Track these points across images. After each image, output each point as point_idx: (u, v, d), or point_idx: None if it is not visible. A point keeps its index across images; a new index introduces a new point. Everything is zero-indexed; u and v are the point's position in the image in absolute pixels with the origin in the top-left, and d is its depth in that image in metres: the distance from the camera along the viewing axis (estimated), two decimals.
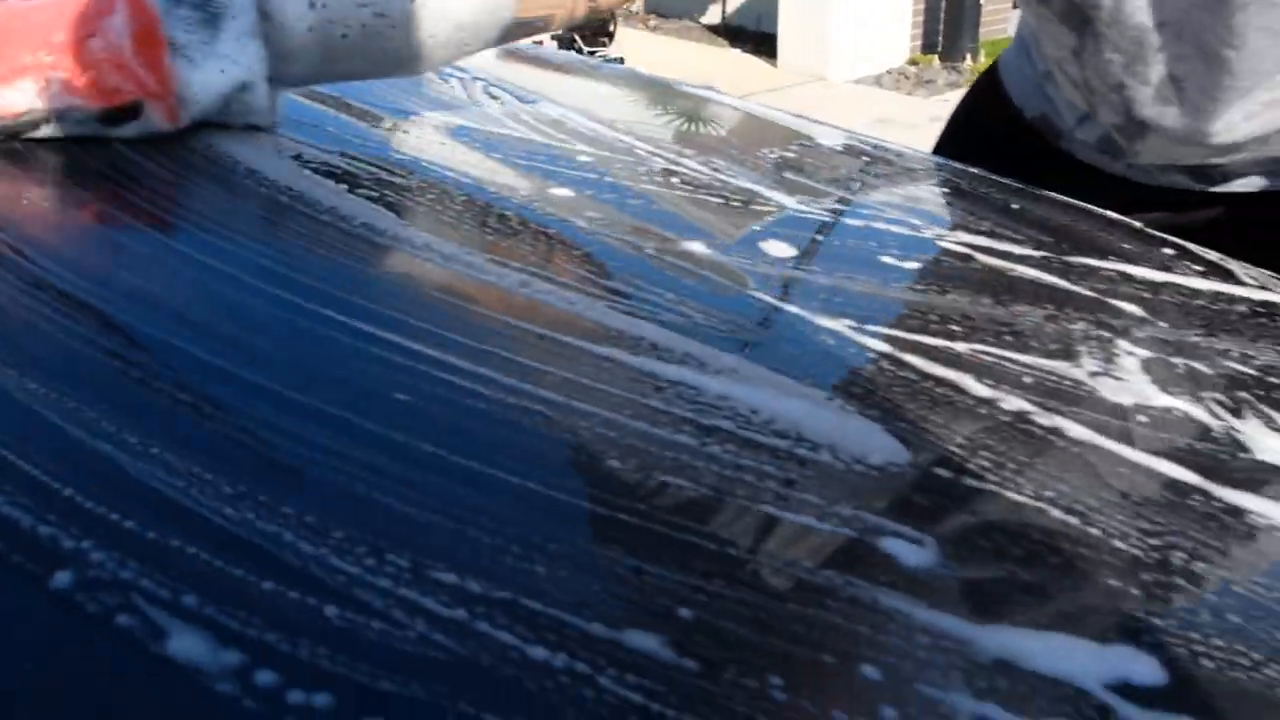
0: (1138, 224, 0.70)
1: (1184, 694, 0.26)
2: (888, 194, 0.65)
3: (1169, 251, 0.63)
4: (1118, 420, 0.39)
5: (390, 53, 0.55)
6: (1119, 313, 0.50)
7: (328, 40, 0.54)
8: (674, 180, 0.58)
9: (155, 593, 0.23)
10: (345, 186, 0.49)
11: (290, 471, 0.28)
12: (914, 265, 0.50)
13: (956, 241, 0.56)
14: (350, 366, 0.33)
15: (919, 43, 6.60)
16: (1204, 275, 0.59)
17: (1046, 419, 0.38)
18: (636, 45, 6.33)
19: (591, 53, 3.68)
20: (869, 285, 0.47)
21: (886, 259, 0.51)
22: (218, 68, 0.50)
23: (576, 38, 3.66)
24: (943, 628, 0.26)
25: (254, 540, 0.25)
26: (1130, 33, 0.70)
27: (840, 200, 0.60)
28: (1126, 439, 0.37)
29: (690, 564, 0.27)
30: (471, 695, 0.21)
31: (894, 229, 0.55)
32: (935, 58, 6.44)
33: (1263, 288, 0.61)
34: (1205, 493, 0.35)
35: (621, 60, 3.87)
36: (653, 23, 8.44)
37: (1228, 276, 0.61)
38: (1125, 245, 0.63)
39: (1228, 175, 0.78)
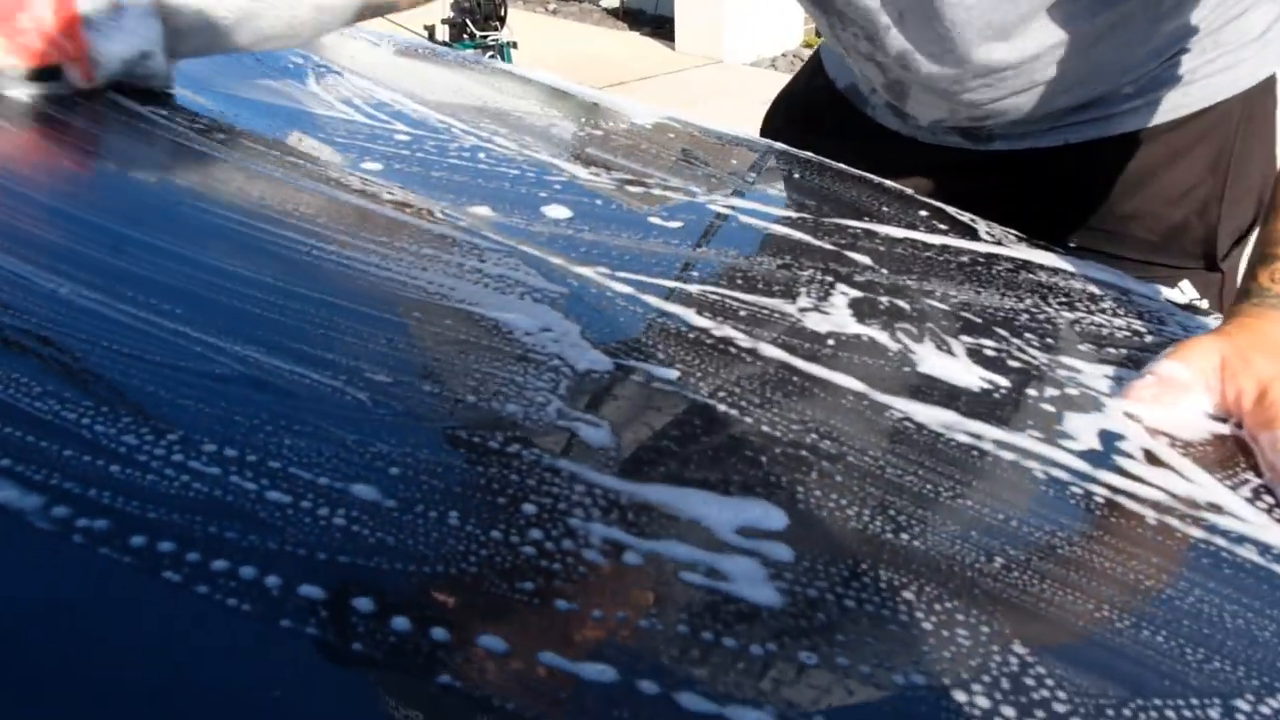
0: (907, 190, 0.80)
1: (798, 535, 0.34)
2: (674, 165, 0.73)
3: (923, 213, 0.73)
4: (808, 344, 0.47)
5: (265, 30, 0.69)
6: (848, 262, 0.59)
7: (213, 18, 0.67)
8: (480, 155, 0.65)
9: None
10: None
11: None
12: (675, 224, 0.59)
13: (723, 205, 0.64)
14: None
15: (812, 26, 6.74)
16: (945, 233, 0.69)
17: (747, 343, 0.46)
18: (534, 29, 6.33)
19: (484, 37, 3.71)
20: (628, 241, 0.55)
21: (654, 220, 0.59)
22: (122, 38, 0.64)
23: (468, 22, 3.68)
24: (601, 483, 0.34)
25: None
26: (861, 10, 0.78)
27: (628, 171, 0.68)
28: (810, 358, 0.46)
29: (403, 436, 0.34)
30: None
31: (670, 195, 0.64)
32: None
33: (997, 243, 0.71)
34: (859, 394, 0.44)
35: (514, 45, 3.90)
36: (553, 6, 8.46)
37: (968, 233, 0.71)
38: (884, 208, 0.72)
39: (992, 136, 0.87)
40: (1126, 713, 0.29)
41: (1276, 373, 0.49)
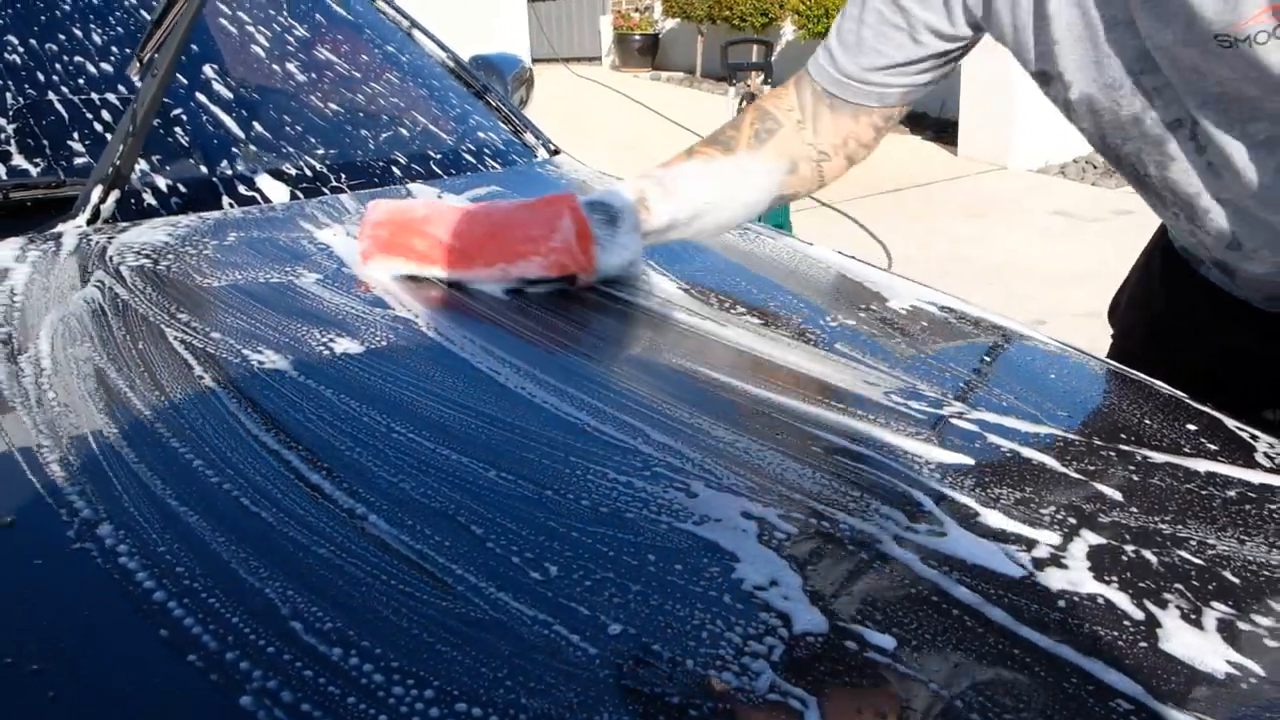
0: (1179, 395, 0.76)
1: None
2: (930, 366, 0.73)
3: (1191, 428, 0.69)
4: (1036, 604, 0.46)
5: (707, 225, 0.93)
6: (1095, 496, 0.57)
7: (675, 222, 0.89)
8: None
9: None
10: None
11: None
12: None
13: (960, 411, 0.64)
14: None
15: None
16: (1213, 456, 0.65)
17: (972, 599, 0.46)
18: None
19: None
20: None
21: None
22: (617, 252, 0.85)
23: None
24: None
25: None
26: (1181, 197, 0.80)
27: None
28: (1037, 625, 0.45)
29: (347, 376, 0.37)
30: None
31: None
32: None
33: (1276, 470, 0.65)
34: (1087, 674, 0.42)
35: None
36: None
37: (1242, 455, 0.66)
38: (1146, 420, 0.69)
39: None
40: None
41: None
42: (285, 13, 1.24)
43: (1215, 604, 0.49)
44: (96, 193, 0.79)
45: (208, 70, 1.06)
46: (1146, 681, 0.43)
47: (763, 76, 4.14)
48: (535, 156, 1.30)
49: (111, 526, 0.44)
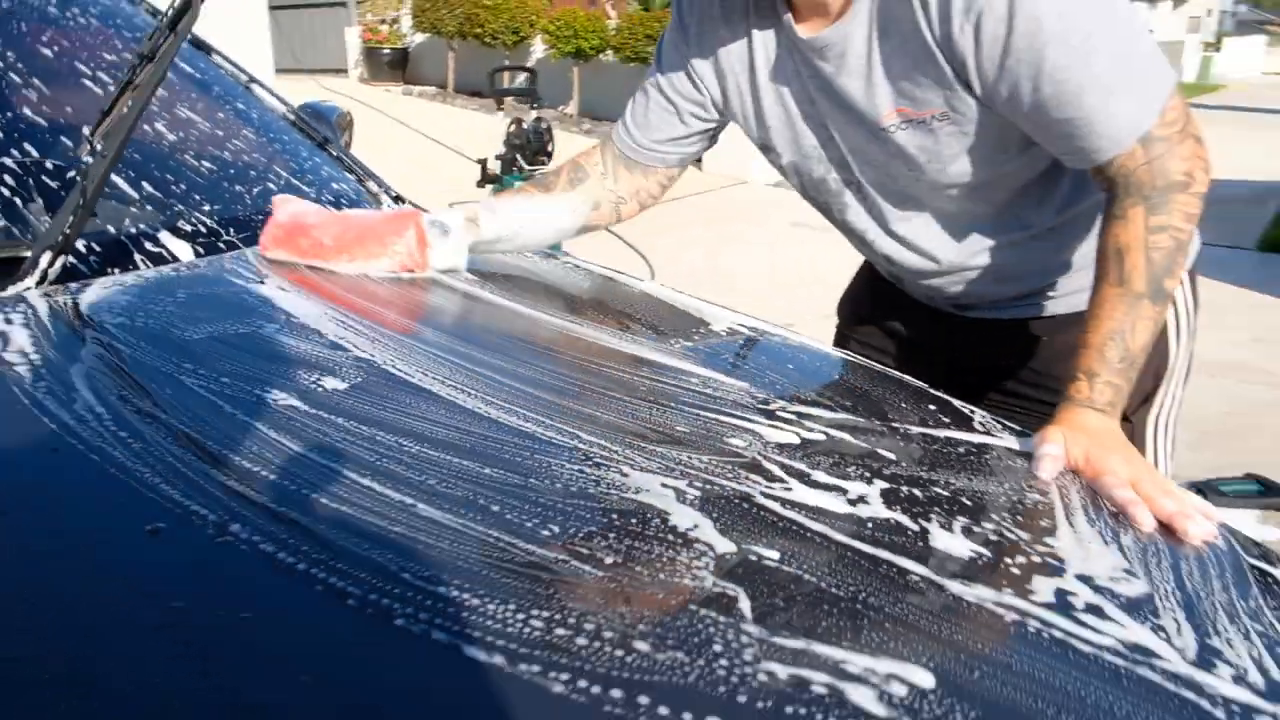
0: (920, 385, 1.06)
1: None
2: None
3: (932, 407, 0.98)
4: (854, 526, 0.72)
5: (528, 241, 1.27)
6: (880, 459, 0.84)
7: (500, 236, 1.22)
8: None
9: None
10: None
11: None
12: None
13: (783, 413, 0.90)
14: None
15: None
16: (948, 426, 0.94)
17: (816, 526, 0.71)
18: (572, 152, 6.68)
19: (532, 170, 4.05)
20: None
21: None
22: (444, 256, 1.16)
23: (518, 156, 4.03)
24: None
25: None
26: (855, 232, 1.24)
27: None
28: (855, 537, 0.71)
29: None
30: None
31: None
32: None
33: (987, 433, 0.96)
34: (888, 562, 0.68)
35: None
36: (586, 126, 8.93)
37: (965, 424, 0.96)
38: (903, 404, 0.98)
39: (965, 307, 1.22)
40: None
41: (1089, 445, 0.90)
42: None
43: (960, 517, 0.77)
44: (45, 258, 0.90)
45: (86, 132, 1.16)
46: (926, 564, 0.69)
47: (529, 102, 4.36)
48: (380, 205, 1.46)
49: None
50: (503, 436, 0.76)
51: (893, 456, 0.85)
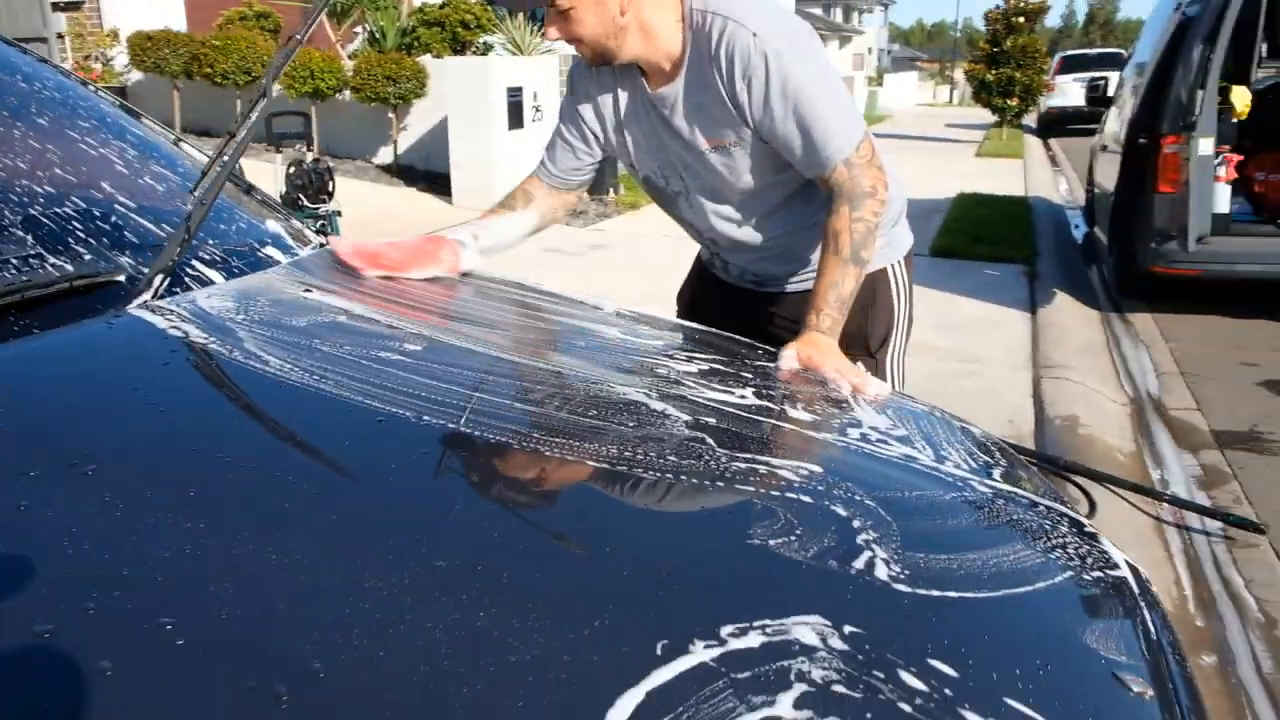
0: (741, 338, 1.58)
1: None
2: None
3: (731, 344, 1.50)
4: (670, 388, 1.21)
5: (505, 246, 1.78)
6: (685, 376, 1.34)
7: (492, 247, 1.72)
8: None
9: None
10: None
11: None
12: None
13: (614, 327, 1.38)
14: None
15: None
16: (731, 359, 1.46)
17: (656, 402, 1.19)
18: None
19: (315, 208, 4.29)
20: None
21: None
22: (471, 261, 1.60)
23: (301, 196, 4.25)
24: None
25: None
26: (691, 228, 1.79)
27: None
28: (665, 397, 1.19)
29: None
30: None
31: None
32: (585, 192, 7.56)
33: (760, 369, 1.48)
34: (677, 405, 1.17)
35: (339, 214, 4.51)
36: (329, 163, 9.00)
37: (739, 358, 1.48)
38: (738, 347, 1.49)
39: (761, 283, 1.83)
40: None
41: (812, 351, 1.46)
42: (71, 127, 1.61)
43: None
44: (158, 279, 1.21)
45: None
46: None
47: (304, 144, 4.59)
48: (308, 243, 1.78)
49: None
50: (526, 373, 1.19)
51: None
